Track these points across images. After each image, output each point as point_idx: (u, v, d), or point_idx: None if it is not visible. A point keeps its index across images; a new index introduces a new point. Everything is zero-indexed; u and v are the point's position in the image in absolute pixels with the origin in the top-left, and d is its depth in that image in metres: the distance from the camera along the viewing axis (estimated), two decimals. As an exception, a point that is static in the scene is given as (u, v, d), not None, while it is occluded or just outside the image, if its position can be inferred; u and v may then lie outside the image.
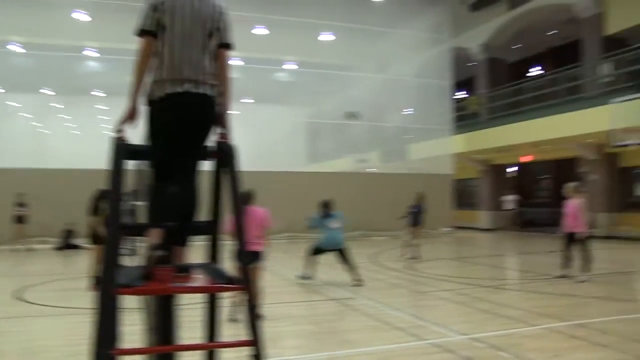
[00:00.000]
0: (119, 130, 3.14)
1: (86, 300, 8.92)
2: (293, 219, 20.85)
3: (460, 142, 24.53)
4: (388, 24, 23.90)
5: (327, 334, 6.83)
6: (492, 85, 25.84)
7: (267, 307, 8.47)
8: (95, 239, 9.87)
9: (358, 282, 10.52)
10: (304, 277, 10.86)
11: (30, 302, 9.04)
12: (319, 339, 6.63)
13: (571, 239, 10.96)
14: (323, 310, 8.38)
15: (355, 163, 25.83)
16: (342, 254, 10.72)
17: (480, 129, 24.06)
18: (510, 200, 25.73)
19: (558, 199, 20.54)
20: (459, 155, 24.92)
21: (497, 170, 27.25)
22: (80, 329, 7.13)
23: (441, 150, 24.19)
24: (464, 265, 13.95)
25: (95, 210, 9.85)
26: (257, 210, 7.57)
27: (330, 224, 10.70)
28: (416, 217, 14.83)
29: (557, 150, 22.72)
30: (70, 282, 10.04)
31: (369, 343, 6.35)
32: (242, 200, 3.56)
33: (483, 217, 26.99)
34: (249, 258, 8.09)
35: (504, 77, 27.31)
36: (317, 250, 10.91)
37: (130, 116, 3.18)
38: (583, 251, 10.80)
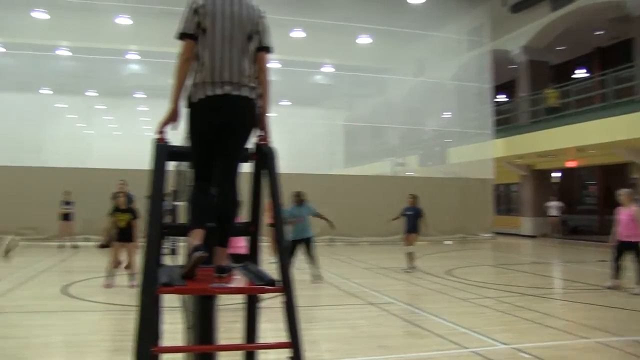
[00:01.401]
0: (160, 132, 3.19)
1: (128, 297, 9.10)
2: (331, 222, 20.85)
3: (501, 146, 24.12)
4: (426, 26, 23.72)
5: (363, 339, 6.76)
6: (534, 89, 25.28)
7: (305, 309, 8.47)
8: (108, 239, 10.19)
9: (317, 279, 10.95)
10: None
11: (76, 298, 9.28)
12: (354, 343, 6.57)
13: (624, 248, 10.37)
14: (360, 314, 8.32)
15: (392, 166, 25.65)
16: (307, 245, 11.01)
17: (522, 132, 23.58)
18: (554, 206, 25.09)
19: (606, 206, 19.89)
20: (500, 159, 24.49)
21: (540, 175, 26.68)
22: (122, 325, 7.26)
23: (481, 154, 23.83)
24: (505, 273, 13.68)
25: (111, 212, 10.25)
26: None
27: (298, 215, 11.00)
28: (411, 221, 13.15)
29: (605, 155, 22.08)
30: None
31: (406, 349, 6.26)
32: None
33: (525, 224, 26.44)
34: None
35: (546, 79, 26.74)
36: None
37: (172, 118, 3.22)
38: (637, 262, 10.15)
